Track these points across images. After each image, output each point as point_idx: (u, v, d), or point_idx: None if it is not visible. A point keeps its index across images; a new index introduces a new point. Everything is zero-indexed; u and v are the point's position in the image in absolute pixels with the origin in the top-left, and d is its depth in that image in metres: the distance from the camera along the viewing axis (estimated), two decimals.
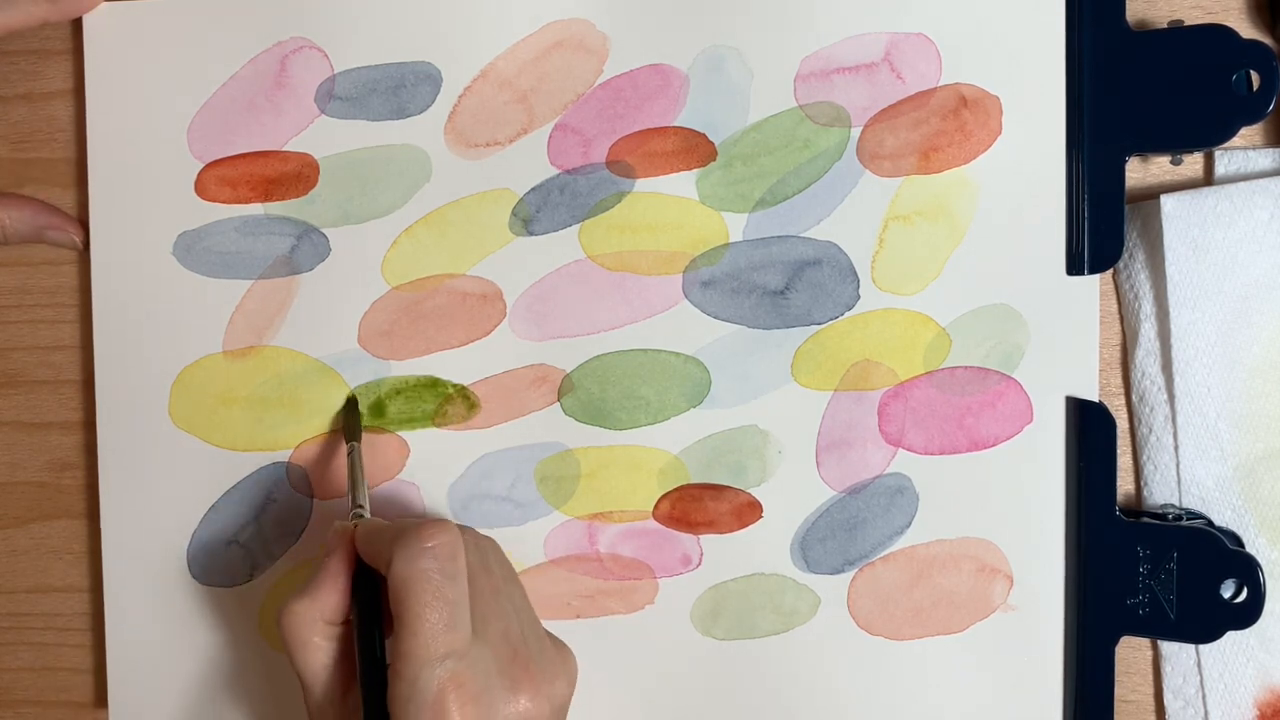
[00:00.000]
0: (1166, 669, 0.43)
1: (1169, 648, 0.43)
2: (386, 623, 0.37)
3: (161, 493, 0.45)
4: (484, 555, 0.39)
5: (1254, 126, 0.42)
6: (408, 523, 0.37)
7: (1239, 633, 0.41)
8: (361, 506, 0.40)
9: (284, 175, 0.45)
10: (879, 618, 0.43)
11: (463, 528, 0.39)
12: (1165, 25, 0.41)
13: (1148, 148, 0.41)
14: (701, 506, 0.44)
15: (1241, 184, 0.41)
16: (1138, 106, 0.41)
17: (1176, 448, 0.42)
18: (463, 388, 0.44)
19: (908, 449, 0.43)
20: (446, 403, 0.44)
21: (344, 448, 0.44)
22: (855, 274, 0.43)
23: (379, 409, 0.45)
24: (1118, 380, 0.43)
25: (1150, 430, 0.43)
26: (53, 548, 0.47)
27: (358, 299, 0.45)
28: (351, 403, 0.45)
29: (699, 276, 0.43)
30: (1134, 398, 0.43)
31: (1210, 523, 0.42)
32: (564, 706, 0.38)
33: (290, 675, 0.45)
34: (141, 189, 0.45)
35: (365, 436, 0.44)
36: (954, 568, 0.43)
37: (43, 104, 0.46)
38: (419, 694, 0.34)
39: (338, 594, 0.38)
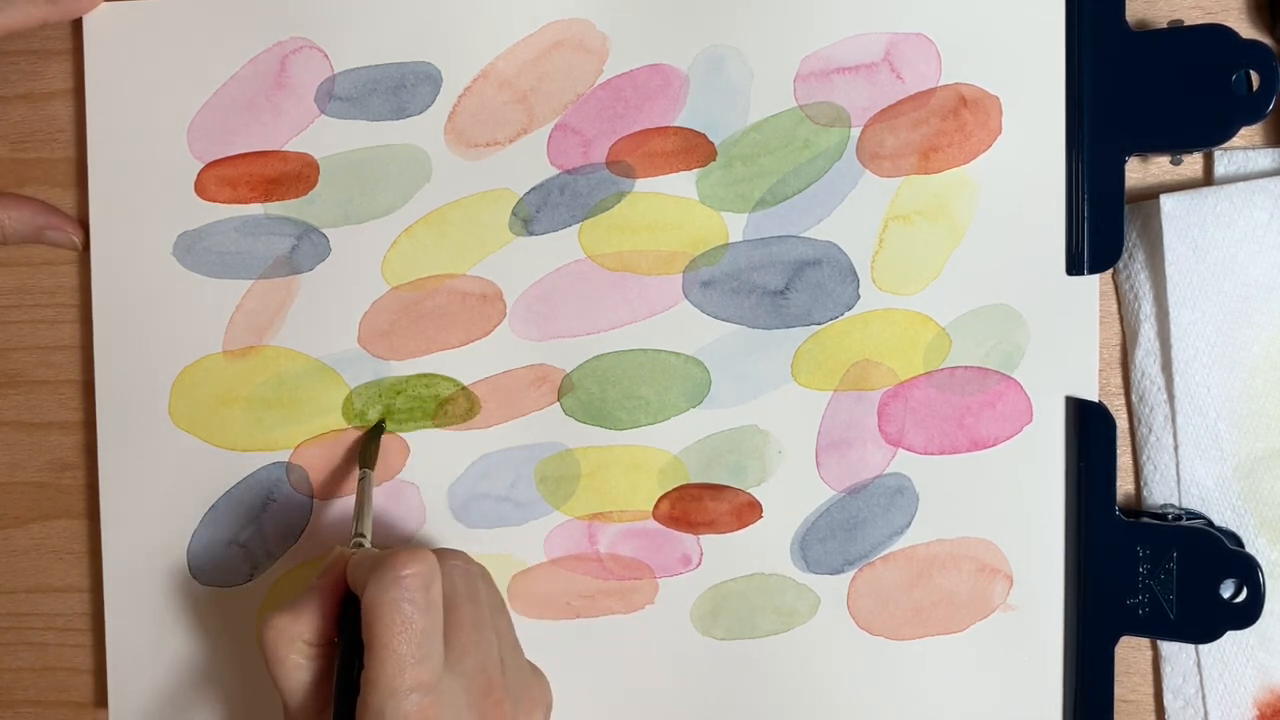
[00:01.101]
0: (1166, 669, 0.43)
1: (1169, 648, 0.43)
2: None
3: (161, 493, 0.45)
4: (471, 583, 0.38)
5: (1254, 126, 0.42)
6: (388, 551, 0.37)
7: (1239, 633, 0.41)
8: (363, 535, 0.40)
9: (284, 175, 0.45)
10: (879, 618, 0.43)
11: (452, 553, 0.39)
12: (1165, 25, 0.41)
13: (1148, 148, 0.41)
14: (701, 506, 0.44)
15: (1241, 184, 0.41)
16: (1138, 106, 0.41)
17: (1176, 448, 0.42)
18: (463, 388, 0.44)
19: (908, 449, 0.43)
20: (446, 403, 0.44)
21: (343, 447, 0.44)
22: (855, 274, 0.43)
23: (380, 409, 0.45)
24: (1118, 380, 0.43)
25: (1150, 430, 0.43)
26: (53, 548, 0.47)
27: (358, 299, 0.45)
28: (376, 429, 0.44)
29: (699, 276, 0.43)
30: (1134, 398, 0.43)
31: (1210, 523, 0.42)
32: None
33: None
34: (141, 189, 0.45)
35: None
36: (954, 568, 0.43)
37: (43, 104, 0.46)
38: None
39: (320, 616, 0.37)
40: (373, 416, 0.45)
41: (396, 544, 0.45)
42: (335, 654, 0.37)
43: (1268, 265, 0.41)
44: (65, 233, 0.45)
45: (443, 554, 0.38)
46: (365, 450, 0.44)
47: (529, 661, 0.41)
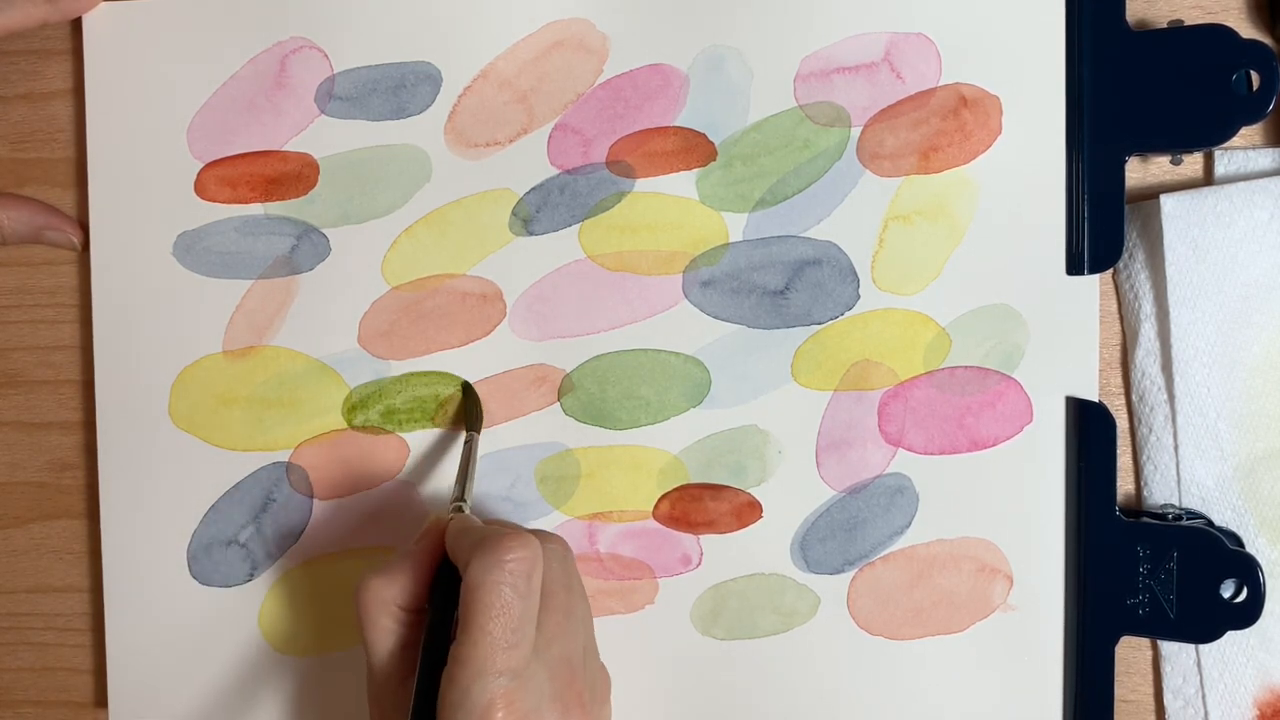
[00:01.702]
0: (1166, 669, 0.43)
1: (1169, 648, 0.43)
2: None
3: (161, 493, 0.45)
4: (568, 570, 0.38)
5: (1254, 126, 0.42)
6: (493, 530, 0.37)
7: (1239, 632, 0.41)
8: (463, 500, 0.40)
9: (284, 175, 0.45)
10: (879, 618, 0.43)
11: (552, 537, 0.39)
12: (1165, 25, 0.41)
13: (1148, 148, 0.41)
14: (701, 506, 0.44)
15: (1241, 184, 0.41)
16: (1138, 106, 0.41)
17: (1176, 448, 0.42)
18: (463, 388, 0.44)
19: (908, 449, 0.43)
20: (446, 403, 0.44)
21: (343, 447, 0.44)
22: (855, 274, 0.43)
23: (380, 410, 0.45)
24: (1118, 380, 0.43)
25: (1150, 430, 0.43)
26: (53, 548, 0.47)
27: (358, 299, 0.45)
28: (469, 390, 0.44)
29: (699, 276, 0.43)
30: (1134, 398, 0.43)
31: (1210, 523, 0.42)
32: None
33: (290, 676, 0.45)
34: (141, 189, 0.45)
35: (365, 436, 0.44)
36: (954, 568, 0.43)
37: (43, 104, 0.46)
38: (468, 703, 0.34)
39: (414, 581, 0.37)
40: (374, 418, 0.45)
41: (396, 545, 0.45)
42: (425, 621, 0.37)
43: (1268, 265, 0.41)
44: (64, 233, 0.46)
45: (544, 538, 0.38)
46: (467, 414, 0.43)
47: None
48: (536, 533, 0.38)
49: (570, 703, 0.36)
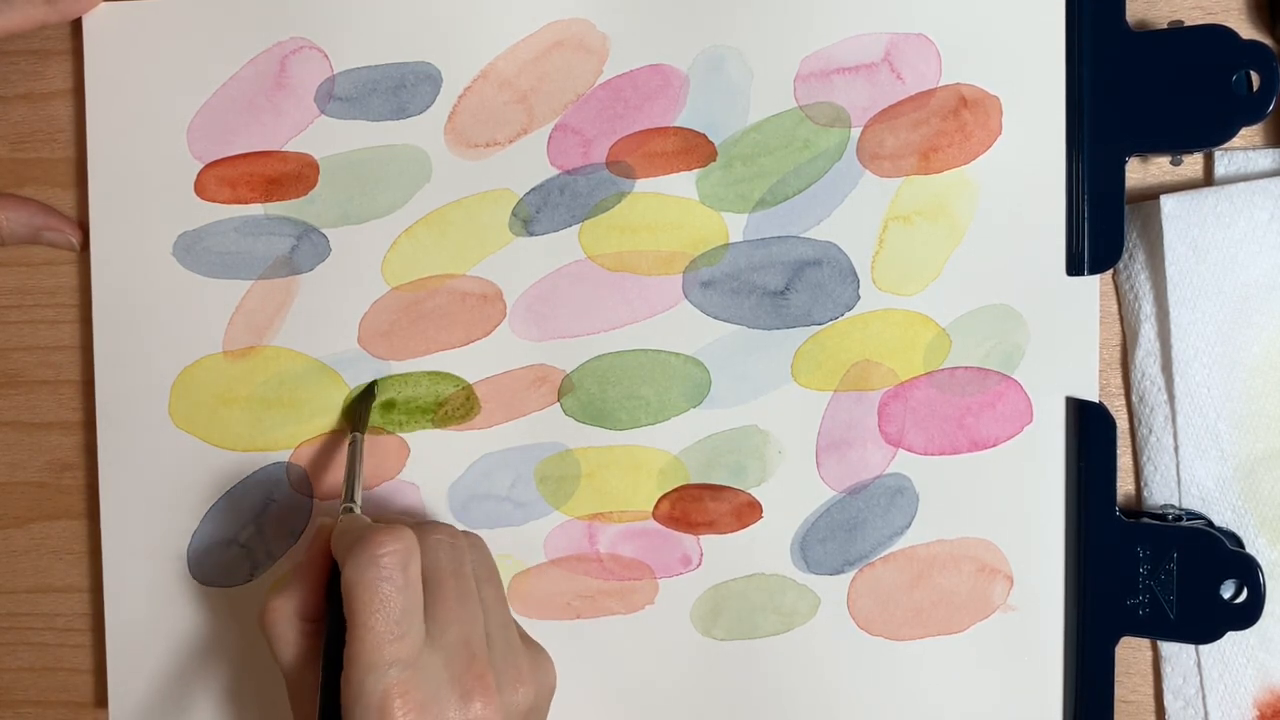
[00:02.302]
0: (1166, 669, 0.43)
1: (1169, 648, 0.43)
2: None
3: (161, 493, 0.45)
4: (457, 556, 0.38)
5: (1254, 127, 0.42)
6: (371, 527, 0.37)
7: (1239, 633, 0.41)
8: (352, 502, 0.40)
9: (284, 175, 0.45)
10: (879, 618, 0.43)
11: (436, 526, 0.39)
12: (1165, 25, 0.41)
13: (1148, 148, 0.41)
14: (701, 506, 0.44)
15: (1241, 184, 0.41)
16: (1138, 106, 0.41)
17: (1176, 448, 0.42)
18: (463, 387, 0.44)
19: (908, 449, 0.43)
20: (446, 403, 0.44)
21: (344, 446, 0.44)
22: (855, 274, 0.43)
23: (379, 409, 0.45)
24: (1118, 380, 0.43)
25: (1150, 430, 0.43)
26: (53, 548, 0.47)
27: (358, 299, 0.44)
28: (367, 391, 0.44)
29: (699, 276, 0.43)
30: (1134, 398, 0.43)
31: (1210, 523, 0.42)
32: (527, 713, 0.38)
33: None
34: (141, 189, 0.45)
35: (366, 437, 0.44)
36: (954, 568, 0.43)
37: (43, 104, 0.46)
38: (364, 698, 0.34)
39: (309, 590, 0.38)
40: (374, 418, 0.45)
41: None
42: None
43: (1268, 265, 0.41)
44: (63, 233, 0.46)
45: (425, 528, 0.38)
46: (355, 414, 0.44)
47: (531, 640, 0.41)
48: (421, 524, 0.39)
49: (471, 686, 0.36)
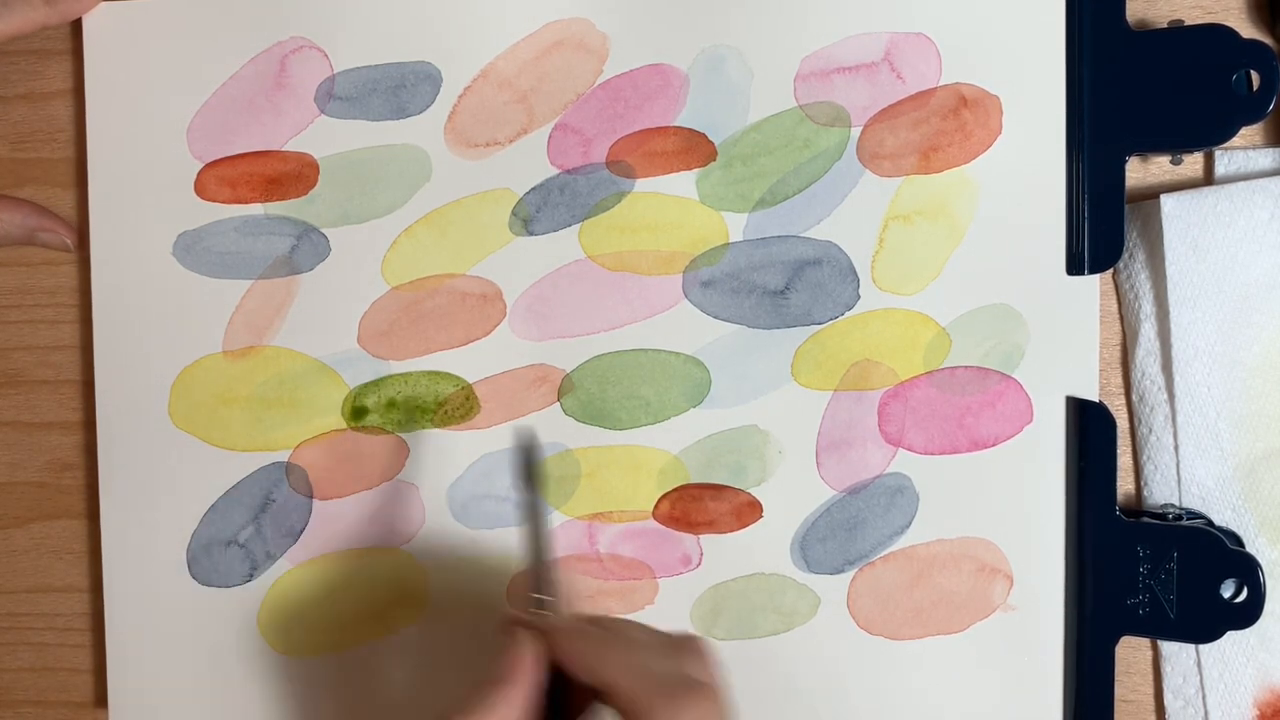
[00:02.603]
0: (1166, 669, 0.43)
1: (1169, 648, 0.43)
2: None
3: (161, 493, 0.45)
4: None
5: (1254, 126, 0.42)
6: (670, 683, 0.32)
7: (1239, 632, 0.41)
8: (542, 596, 0.33)
9: (284, 175, 0.45)
10: (879, 618, 0.43)
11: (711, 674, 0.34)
12: (1165, 25, 0.41)
13: (1148, 148, 0.41)
14: (701, 506, 0.44)
15: (1241, 184, 0.41)
16: (1138, 106, 0.41)
17: (1176, 447, 0.42)
18: (463, 387, 0.44)
19: (908, 449, 0.43)
20: (446, 402, 0.44)
21: (343, 447, 0.44)
22: (855, 274, 0.43)
23: (379, 409, 0.45)
24: (1118, 380, 0.43)
25: (1150, 430, 0.43)
26: (53, 548, 0.47)
27: (357, 299, 0.44)
28: (531, 447, 0.36)
29: (699, 276, 0.43)
30: (1134, 398, 0.43)
31: (1210, 522, 0.42)
32: None
33: (289, 676, 0.45)
34: (141, 189, 0.45)
35: (365, 436, 0.44)
36: (954, 568, 0.43)
37: (43, 104, 0.46)
38: None
39: (520, 712, 0.32)
40: (374, 418, 0.44)
41: (396, 545, 0.45)
42: None
43: (1268, 265, 0.41)
44: (57, 234, 0.45)
45: (707, 687, 0.34)
46: (527, 471, 0.35)
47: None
48: (701, 674, 0.34)
49: None
